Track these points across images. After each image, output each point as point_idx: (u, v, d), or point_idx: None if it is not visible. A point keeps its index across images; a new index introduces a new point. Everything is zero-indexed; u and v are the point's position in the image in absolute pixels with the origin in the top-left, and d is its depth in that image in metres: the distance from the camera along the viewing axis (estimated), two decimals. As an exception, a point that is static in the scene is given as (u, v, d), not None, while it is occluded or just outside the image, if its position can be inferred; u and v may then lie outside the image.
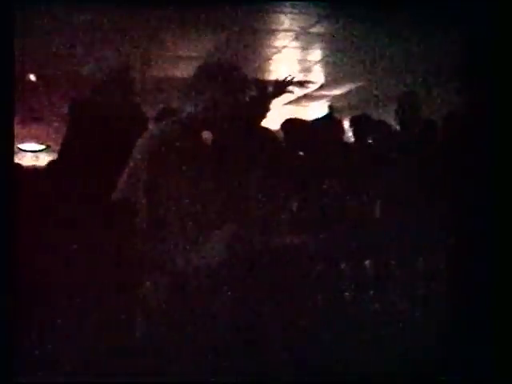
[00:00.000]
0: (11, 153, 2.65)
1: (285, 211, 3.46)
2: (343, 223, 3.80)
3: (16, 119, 2.67)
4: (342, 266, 3.76)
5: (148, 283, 2.72)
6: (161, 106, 3.70)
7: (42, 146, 8.66)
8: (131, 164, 2.71)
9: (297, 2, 5.02)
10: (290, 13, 5.33)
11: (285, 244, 3.23)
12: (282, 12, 5.31)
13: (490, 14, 2.72)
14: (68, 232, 2.79)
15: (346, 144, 4.47)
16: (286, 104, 8.36)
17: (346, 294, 3.74)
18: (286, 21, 5.52)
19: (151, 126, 3.25)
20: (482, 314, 2.70)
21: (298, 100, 8.30)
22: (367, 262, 4.00)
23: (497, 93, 2.72)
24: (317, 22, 5.53)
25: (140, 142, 2.73)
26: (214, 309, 2.73)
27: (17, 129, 2.75)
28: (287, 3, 5.03)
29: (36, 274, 2.81)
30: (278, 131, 4.05)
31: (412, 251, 4.02)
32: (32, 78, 6.70)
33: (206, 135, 2.93)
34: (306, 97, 8.46)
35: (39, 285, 2.80)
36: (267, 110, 3.53)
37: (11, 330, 2.47)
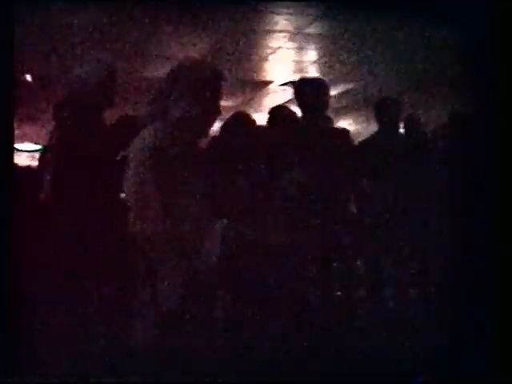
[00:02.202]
0: (11, 153, 2.67)
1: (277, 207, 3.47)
2: (341, 221, 3.81)
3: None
4: (335, 264, 3.78)
5: (145, 282, 2.73)
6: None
7: (39, 146, 8.65)
8: (125, 163, 2.73)
9: (292, 3, 5.03)
10: (285, 13, 5.34)
11: (280, 239, 3.25)
12: (277, 12, 5.32)
13: (490, 14, 2.73)
14: (66, 230, 2.80)
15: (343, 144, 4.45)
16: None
17: (338, 293, 3.76)
18: (281, 21, 5.53)
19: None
20: (483, 314, 2.71)
21: (293, 100, 8.31)
22: (360, 262, 4.02)
23: (497, 93, 2.73)
24: (312, 23, 5.54)
25: (133, 142, 2.75)
26: (211, 305, 2.75)
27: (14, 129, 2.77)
28: (282, 4, 5.05)
29: (35, 273, 2.82)
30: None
31: (412, 251, 4.04)
32: (29, 77, 6.70)
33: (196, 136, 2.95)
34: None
35: (39, 284, 2.81)
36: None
37: (11, 330, 2.48)
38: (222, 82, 2.87)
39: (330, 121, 4.30)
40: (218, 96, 2.87)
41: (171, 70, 2.86)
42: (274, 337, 3.02)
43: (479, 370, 2.63)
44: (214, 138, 3.58)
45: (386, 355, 3.09)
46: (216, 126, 3.48)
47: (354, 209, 4.08)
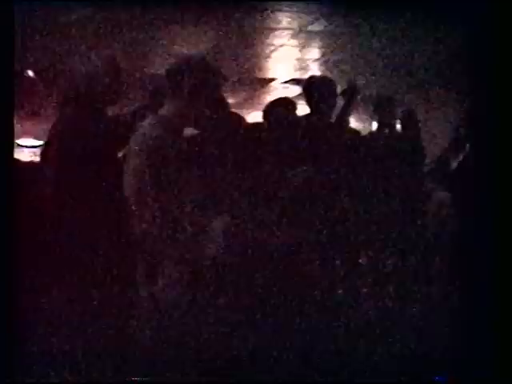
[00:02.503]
0: (11, 148, 2.67)
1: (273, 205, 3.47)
2: (339, 219, 3.81)
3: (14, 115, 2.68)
4: (337, 262, 3.78)
5: (146, 281, 2.74)
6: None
7: (40, 142, 8.66)
8: (125, 161, 2.73)
9: (295, 1, 5.04)
10: (288, 11, 5.35)
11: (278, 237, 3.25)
12: (280, 10, 5.33)
13: (490, 14, 2.73)
14: (67, 228, 2.80)
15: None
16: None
17: (340, 291, 3.76)
18: (284, 19, 5.54)
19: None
20: (483, 314, 2.71)
21: (295, 98, 8.30)
22: (363, 260, 4.02)
23: (497, 94, 2.73)
24: (315, 21, 5.54)
25: (132, 138, 2.76)
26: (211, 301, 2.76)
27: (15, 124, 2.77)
28: (285, 2, 5.05)
29: (36, 271, 2.82)
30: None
31: (412, 251, 4.05)
32: (30, 73, 6.71)
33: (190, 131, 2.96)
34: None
35: (39, 282, 2.81)
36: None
37: (11, 330, 2.48)
38: (222, 81, 2.88)
39: (336, 119, 4.29)
40: (217, 94, 2.87)
41: (171, 67, 2.87)
42: (274, 336, 3.02)
43: (479, 371, 2.63)
44: (214, 135, 3.58)
45: (385, 355, 3.09)
46: (216, 124, 3.49)
47: (355, 207, 4.08)
